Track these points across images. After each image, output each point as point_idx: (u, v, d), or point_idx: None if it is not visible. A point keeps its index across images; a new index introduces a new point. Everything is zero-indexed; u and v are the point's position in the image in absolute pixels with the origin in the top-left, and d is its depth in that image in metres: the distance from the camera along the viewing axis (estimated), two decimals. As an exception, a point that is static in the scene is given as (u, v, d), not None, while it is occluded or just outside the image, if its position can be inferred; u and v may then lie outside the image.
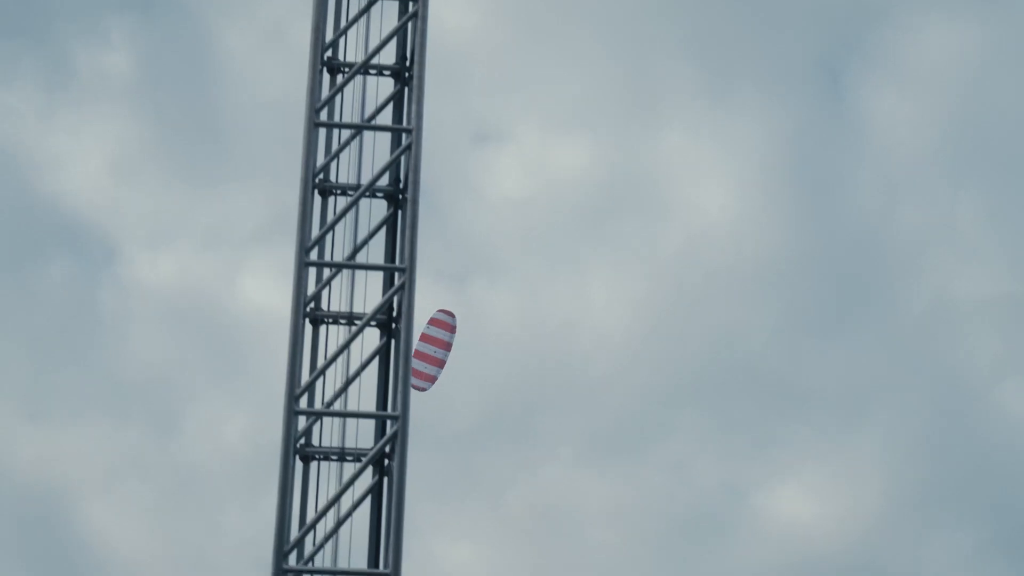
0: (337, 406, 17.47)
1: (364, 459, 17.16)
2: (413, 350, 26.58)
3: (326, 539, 16.90)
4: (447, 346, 25.93)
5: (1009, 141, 56.58)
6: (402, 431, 16.98)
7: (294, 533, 16.81)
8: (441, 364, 25.82)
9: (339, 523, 17.00)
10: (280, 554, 16.42)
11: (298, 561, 16.77)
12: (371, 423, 17.63)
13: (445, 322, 26.03)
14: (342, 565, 17.01)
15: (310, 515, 17.13)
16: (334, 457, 17.48)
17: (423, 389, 25.75)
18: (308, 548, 16.93)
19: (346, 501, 17.21)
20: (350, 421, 17.57)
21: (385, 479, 17.29)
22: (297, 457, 17.22)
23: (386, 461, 17.28)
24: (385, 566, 16.74)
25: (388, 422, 17.32)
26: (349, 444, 17.46)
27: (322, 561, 16.96)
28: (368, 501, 17.34)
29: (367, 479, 17.31)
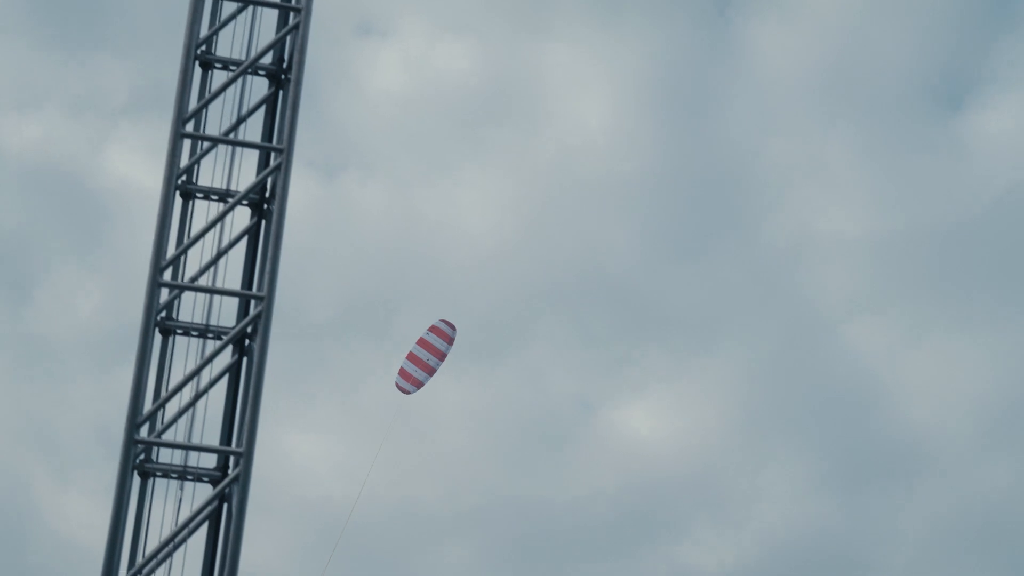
0: (203, 282, 17.29)
1: (225, 337, 17.04)
2: (408, 352, 27.17)
3: (180, 413, 16.79)
4: (441, 356, 26.61)
5: (885, 83, 57.48)
6: (266, 312, 16.87)
7: (148, 406, 16.65)
8: (432, 371, 26.45)
9: (195, 398, 16.90)
10: (133, 424, 16.27)
11: (150, 434, 16.65)
12: (235, 303, 17.46)
13: (445, 333, 26.71)
14: (195, 441, 16.93)
15: (166, 389, 16.99)
16: (195, 333, 17.33)
17: (407, 392, 26.33)
18: (162, 422, 16.81)
19: (204, 378, 17.09)
20: (214, 300, 17.39)
21: (245, 359, 17.19)
22: (157, 330, 17.04)
23: (247, 341, 17.17)
24: (238, 445, 16.68)
25: (252, 302, 17.18)
26: (211, 322, 17.32)
27: (175, 435, 16.86)
28: (226, 380, 17.23)
29: (227, 358, 17.20)
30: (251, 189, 17.41)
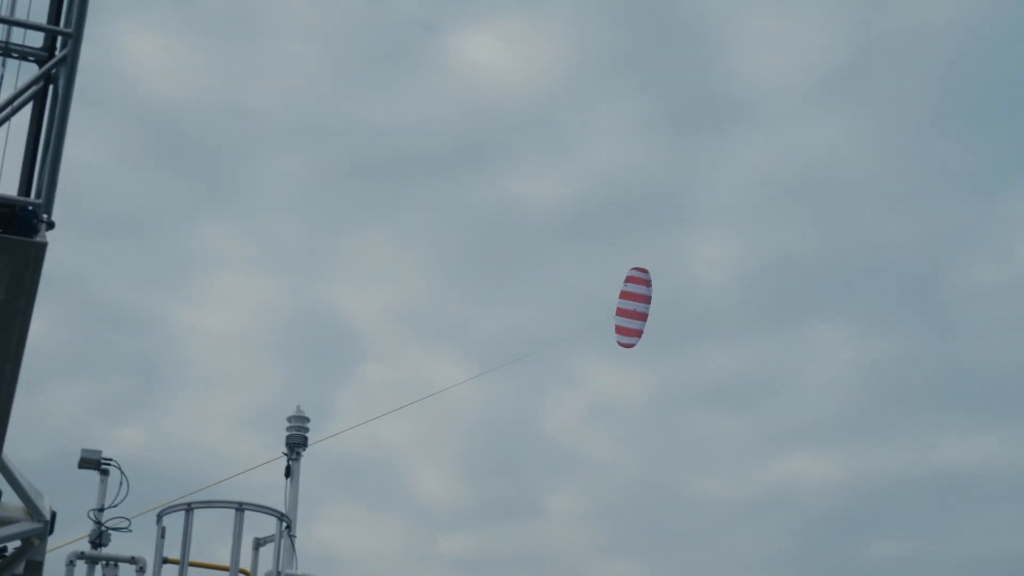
0: None
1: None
2: (616, 308, 28.16)
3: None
4: (647, 299, 27.71)
5: None
6: None
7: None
8: (644, 317, 27.60)
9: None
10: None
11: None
12: None
13: (640, 278, 27.75)
14: (20, 18, 16.24)
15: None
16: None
17: (631, 346, 27.31)
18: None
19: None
20: None
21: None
22: None
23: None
24: (67, 25, 16.03)
25: None
26: None
27: (-1, 9, 16.13)
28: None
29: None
30: None
